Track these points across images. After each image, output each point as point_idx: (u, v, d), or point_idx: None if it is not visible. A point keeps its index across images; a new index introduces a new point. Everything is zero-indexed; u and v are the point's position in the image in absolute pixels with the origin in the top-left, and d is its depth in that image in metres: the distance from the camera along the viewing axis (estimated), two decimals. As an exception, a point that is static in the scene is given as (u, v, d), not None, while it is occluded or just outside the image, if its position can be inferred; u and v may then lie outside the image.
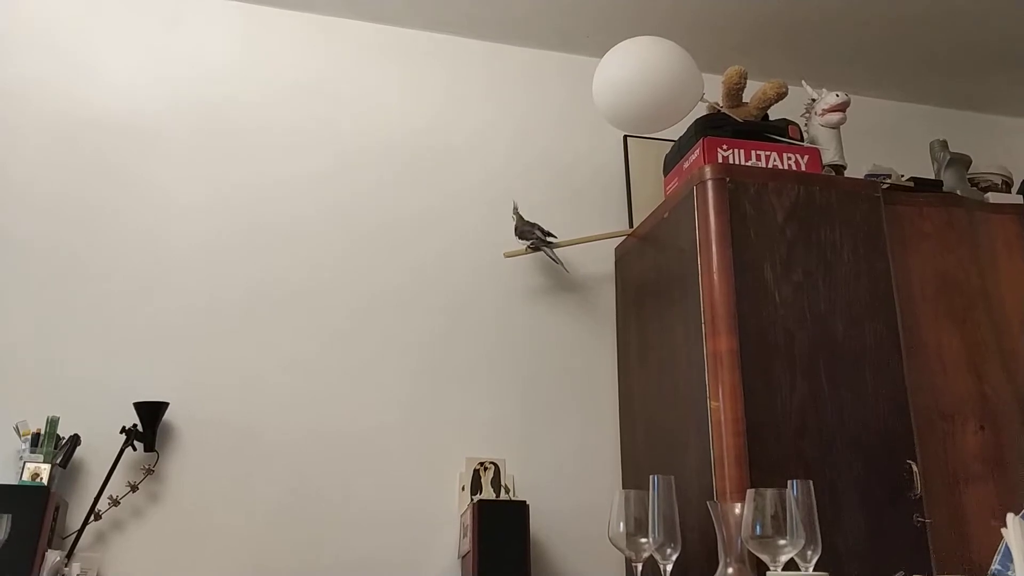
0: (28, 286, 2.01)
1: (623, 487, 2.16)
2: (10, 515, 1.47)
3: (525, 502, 1.87)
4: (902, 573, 1.39)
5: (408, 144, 2.38)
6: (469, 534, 1.86)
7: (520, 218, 2.21)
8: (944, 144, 2.33)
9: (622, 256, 2.33)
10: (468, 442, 2.13)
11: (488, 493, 2.05)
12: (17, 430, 1.83)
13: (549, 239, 2.19)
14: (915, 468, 1.75)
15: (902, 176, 2.19)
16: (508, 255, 2.23)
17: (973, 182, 2.32)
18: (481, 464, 2.08)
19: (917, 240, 2.00)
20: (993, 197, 2.22)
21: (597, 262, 2.38)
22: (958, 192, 2.19)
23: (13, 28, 2.23)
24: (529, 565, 1.80)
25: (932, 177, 2.28)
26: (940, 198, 2.09)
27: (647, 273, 2.13)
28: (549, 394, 2.22)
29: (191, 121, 2.25)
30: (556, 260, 2.19)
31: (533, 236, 2.19)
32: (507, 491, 2.05)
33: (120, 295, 2.06)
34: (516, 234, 2.21)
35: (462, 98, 2.48)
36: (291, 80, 2.36)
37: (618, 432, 2.22)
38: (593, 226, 2.41)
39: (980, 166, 2.38)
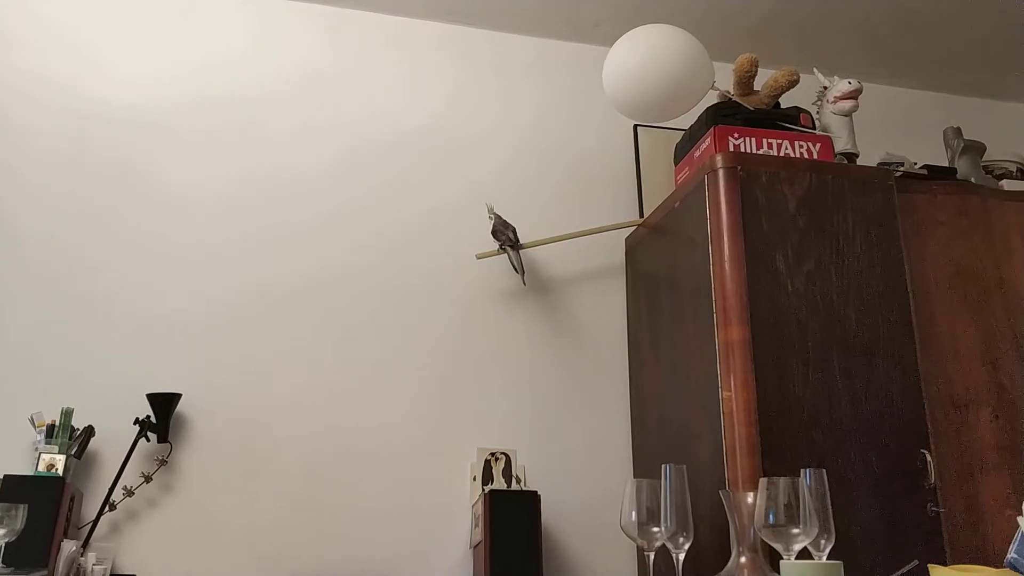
0: (42, 281, 2.03)
1: (635, 477, 2.16)
2: (26, 505, 1.49)
3: (536, 492, 1.88)
4: (916, 563, 1.38)
5: (418, 137, 2.38)
6: (481, 524, 1.87)
7: (497, 218, 2.19)
8: (958, 131, 2.30)
9: (633, 246, 2.32)
10: (479, 433, 2.13)
11: (499, 483, 2.05)
12: (32, 421, 1.85)
13: (519, 244, 2.17)
14: (929, 457, 1.74)
15: (915, 164, 2.17)
16: (480, 256, 2.20)
17: (987, 169, 2.30)
18: (492, 455, 2.09)
19: (931, 228, 1.99)
20: (1008, 184, 2.19)
21: (608, 252, 2.38)
22: (972, 179, 2.17)
23: (23, 26, 2.23)
24: (541, 555, 1.81)
25: (946, 165, 2.25)
26: (954, 186, 2.07)
27: (658, 263, 2.12)
28: (560, 384, 2.22)
29: (201, 117, 2.26)
30: (517, 268, 2.14)
31: (503, 238, 2.17)
32: (518, 481, 2.05)
33: (133, 289, 2.07)
34: (491, 233, 2.20)
35: (471, 89, 2.47)
36: (300, 74, 2.36)
37: (629, 422, 2.22)
38: (603, 216, 2.40)
39: (994, 153, 2.36)
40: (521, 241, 2.25)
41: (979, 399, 1.85)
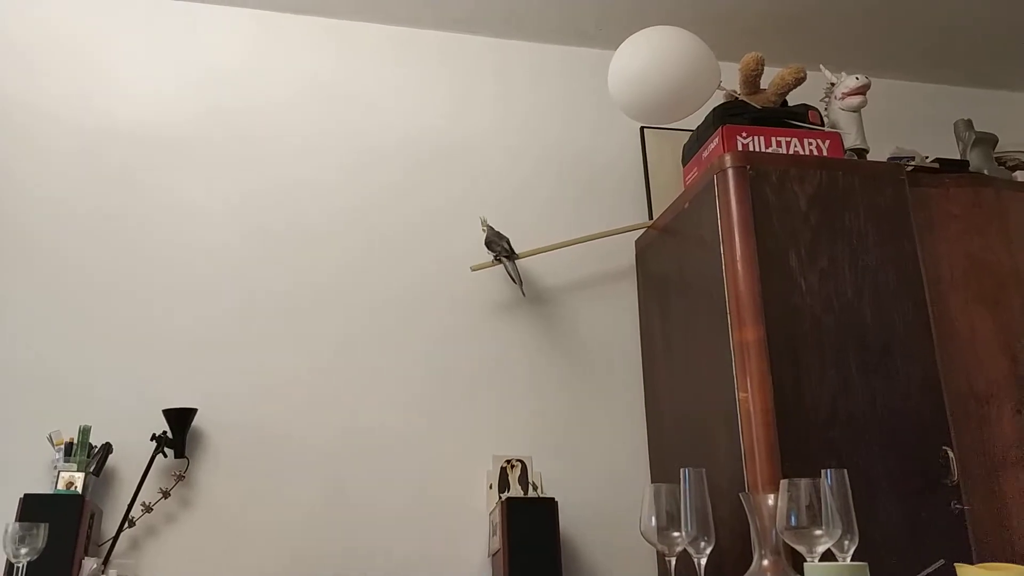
0: (56, 298, 2.04)
1: (652, 481, 2.15)
2: (47, 524, 1.50)
3: (554, 499, 1.87)
4: (943, 562, 1.36)
5: (423, 145, 2.38)
6: (498, 532, 1.86)
7: (491, 229, 2.17)
8: (969, 123, 2.29)
9: (643, 249, 2.31)
10: (495, 440, 2.13)
11: (516, 491, 2.04)
12: (51, 439, 1.86)
13: (514, 255, 2.14)
14: (951, 454, 1.72)
15: (926, 158, 2.15)
16: (475, 268, 2.18)
17: (1000, 161, 2.28)
18: (508, 462, 2.08)
19: (944, 222, 1.97)
20: (1021, 175, 2.17)
21: (618, 256, 2.37)
22: (985, 172, 2.15)
23: (33, 42, 2.25)
24: (560, 562, 1.80)
25: (958, 158, 2.23)
26: (967, 178, 2.05)
27: (669, 265, 2.12)
28: (575, 390, 2.21)
29: (210, 129, 2.27)
30: (515, 279, 2.10)
31: (498, 248, 2.14)
32: (535, 488, 2.04)
33: (145, 304, 2.08)
34: (485, 244, 2.18)
35: (476, 96, 2.48)
36: (304, 84, 2.37)
37: (645, 426, 2.21)
38: (613, 219, 2.39)
39: (1007, 145, 2.34)
40: (535, 246, 2.25)
41: (1000, 393, 1.82)
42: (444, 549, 2.01)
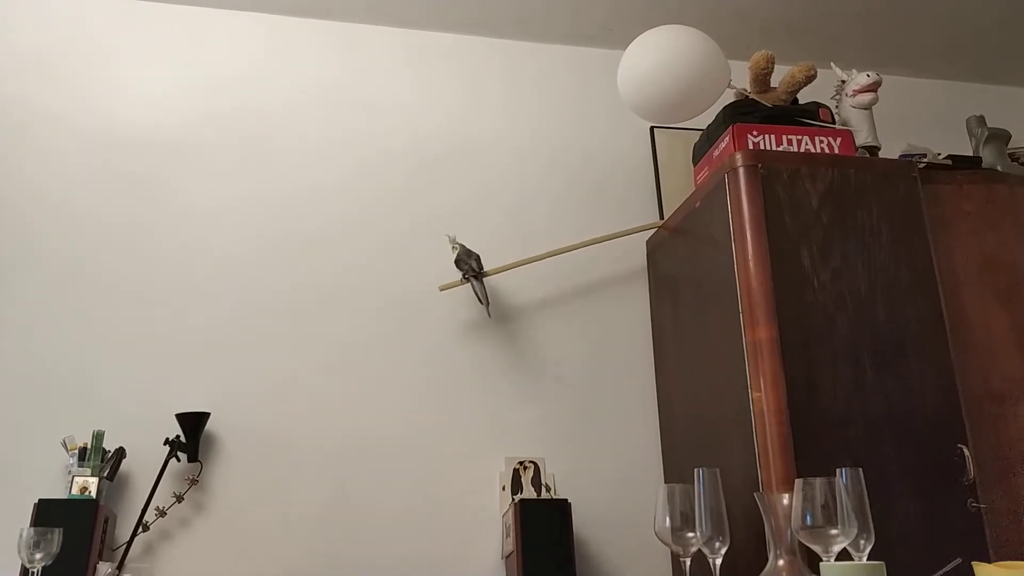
0: (68, 303, 2.05)
1: (665, 481, 2.14)
2: (61, 529, 1.50)
3: (567, 500, 1.86)
4: (960, 560, 1.35)
5: (432, 145, 2.39)
6: (512, 534, 1.85)
7: (461, 247, 2.13)
8: (981, 120, 2.27)
9: (654, 249, 2.31)
10: (507, 442, 2.12)
11: (529, 492, 2.04)
12: (65, 445, 1.87)
13: (482, 274, 2.09)
14: (967, 452, 1.70)
15: (938, 155, 2.14)
16: (443, 288, 2.13)
17: (1013, 157, 2.26)
18: (521, 463, 2.08)
19: (958, 219, 1.95)
20: (1035, 171, 2.15)
21: (629, 256, 2.36)
22: (998, 168, 2.13)
23: (39, 46, 2.27)
24: (574, 564, 1.79)
25: (970, 154, 2.22)
26: (980, 175, 2.03)
27: (680, 265, 2.11)
28: (587, 391, 2.21)
29: (218, 132, 2.28)
30: (481, 299, 2.06)
31: (465, 267, 2.10)
32: (548, 490, 2.04)
33: (157, 307, 2.09)
34: (454, 263, 2.14)
35: (484, 97, 2.48)
36: (312, 88, 2.38)
37: (658, 426, 2.20)
38: (623, 220, 2.39)
39: (1020, 140, 2.32)
40: (545, 248, 2.25)
41: (1016, 391, 1.81)
42: (457, 551, 2.00)
